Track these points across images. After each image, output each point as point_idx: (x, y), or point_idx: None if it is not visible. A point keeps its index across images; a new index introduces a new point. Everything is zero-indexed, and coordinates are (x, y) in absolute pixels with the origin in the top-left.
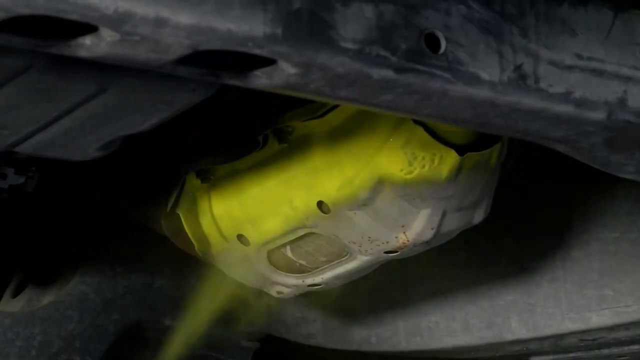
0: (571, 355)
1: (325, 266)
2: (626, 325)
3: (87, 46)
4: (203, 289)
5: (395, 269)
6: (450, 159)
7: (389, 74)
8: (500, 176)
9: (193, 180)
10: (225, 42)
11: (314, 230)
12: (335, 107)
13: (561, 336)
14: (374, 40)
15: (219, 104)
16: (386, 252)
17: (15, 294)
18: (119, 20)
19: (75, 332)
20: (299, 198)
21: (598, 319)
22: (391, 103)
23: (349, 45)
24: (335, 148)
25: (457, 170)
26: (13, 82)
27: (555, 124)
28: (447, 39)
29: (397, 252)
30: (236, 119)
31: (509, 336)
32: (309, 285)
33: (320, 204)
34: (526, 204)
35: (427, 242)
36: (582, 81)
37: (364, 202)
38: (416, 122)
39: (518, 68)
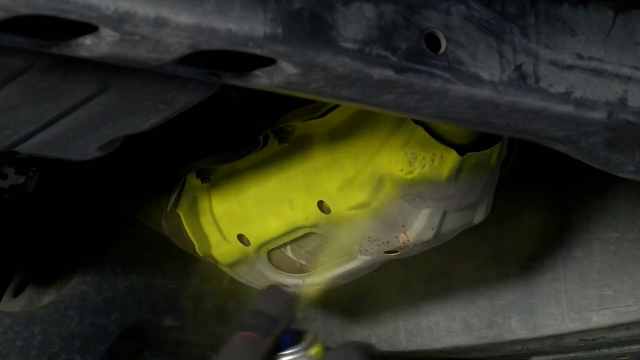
0: (572, 355)
1: (325, 266)
2: (626, 325)
3: (87, 46)
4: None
5: (395, 269)
6: (450, 159)
7: (389, 73)
8: (501, 176)
9: (193, 180)
10: (225, 42)
11: (314, 230)
12: (335, 107)
13: (562, 336)
14: (374, 40)
15: (219, 104)
16: (386, 252)
17: (15, 294)
18: (119, 20)
19: (75, 332)
20: (299, 198)
21: (598, 318)
22: (392, 103)
23: (350, 45)
24: (336, 148)
25: (458, 170)
26: (13, 82)
27: (556, 123)
28: (447, 39)
29: (397, 252)
30: (236, 119)
31: (510, 336)
32: (309, 285)
33: (320, 203)
34: (526, 204)
35: (427, 242)
36: (583, 81)
37: (364, 202)
38: (416, 122)
39: (518, 68)
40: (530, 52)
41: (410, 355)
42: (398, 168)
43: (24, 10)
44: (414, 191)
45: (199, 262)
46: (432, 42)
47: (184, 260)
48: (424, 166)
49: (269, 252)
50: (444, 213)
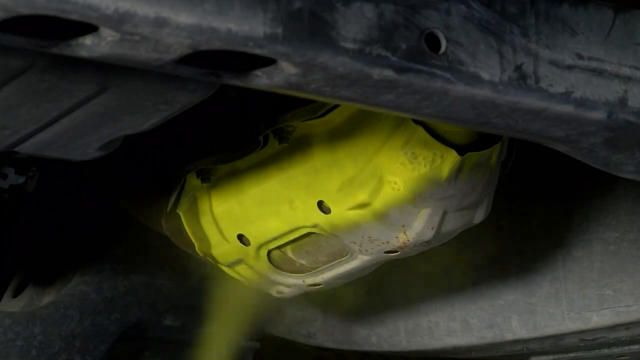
0: (572, 355)
1: (325, 266)
2: (626, 325)
3: (87, 46)
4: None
5: (396, 269)
6: (450, 159)
7: (389, 73)
8: (501, 176)
9: (193, 180)
10: (225, 42)
11: (314, 230)
12: (335, 107)
13: (562, 336)
14: (374, 40)
15: (219, 104)
16: (386, 252)
17: (15, 294)
18: (119, 20)
19: (75, 332)
20: (299, 198)
21: (599, 318)
22: (392, 103)
23: (350, 45)
24: (336, 148)
25: (458, 170)
26: (13, 82)
27: (556, 123)
28: (447, 39)
29: (397, 251)
30: (236, 119)
31: (510, 336)
32: (309, 285)
33: (320, 203)
34: (526, 204)
35: (427, 242)
36: (583, 81)
37: (364, 202)
38: (416, 121)
39: (518, 68)
40: (530, 52)
41: (410, 355)
42: (398, 168)
43: (24, 10)
44: (414, 191)
45: (199, 262)
46: (432, 42)
47: (184, 260)
48: (424, 166)
49: (269, 252)
50: (444, 213)
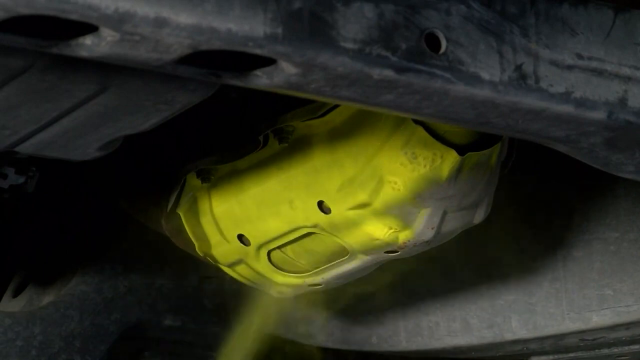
0: (572, 355)
1: (325, 266)
2: (627, 325)
3: (87, 46)
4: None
5: (396, 269)
6: (450, 159)
7: (389, 73)
8: (501, 176)
9: (193, 180)
10: (225, 42)
11: (314, 230)
12: (335, 107)
13: (562, 336)
14: (374, 40)
15: (219, 104)
16: (386, 252)
17: (15, 294)
18: (119, 20)
19: (75, 332)
20: (299, 198)
21: (599, 318)
22: (392, 103)
23: (350, 45)
24: (336, 148)
25: (458, 170)
26: (13, 82)
27: (556, 123)
28: (447, 39)
29: (397, 251)
30: (236, 119)
31: (510, 336)
32: (309, 285)
33: (320, 204)
34: (526, 204)
35: (427, 242)
36: (583, 81)
37: (364, 202)
38: (416, 121)
39: (518, 68)
40: (531, 52)
41: (411, 355)
42: (398, 168)
43: (24, 10)
44: (414, 191)
45: (200, 262)
46: (432, 42)
47: (184, 260)
48: (424, 166)
49: (269, 252)
50: (444, 213)
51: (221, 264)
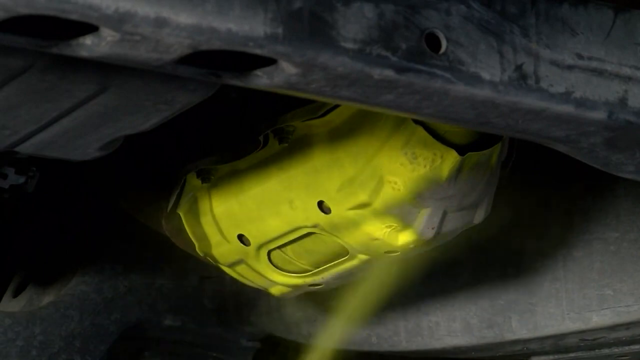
0: (572, 355)
1: (325, 266)
2: (627, 325)
3: (87, 46)
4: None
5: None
6: (450, 159)
7: (389, 73)
8: (501, 176)
9: (194, 180)
10: (225, 42)
11: (314, 230)
12: (335, 107)
13: (562, 336)
14: (374, 40)
15: (219, 104)
16: (386, 252)
17: (15, 294)
18: (119, 20)
19: (75, 332)
20: (299, 198)
21: (599, 318)
22: (392, 103)
23: (350, 45)
24: (336, 148)
25: (458, 170)
26: (13, 82)
27: (556, 123)
28: (447, 39)
29: (397, 252)
30: (236, 119)
31: (510, 336)
32: (309, 285)
33: (320, 204)
34: (527, 204)
35: (427, 242)
36: (583, 81)
37: (364, 202)
38: (416, 122)
39: (519, 68)
40: (531, 52)
41: (411, 355)
42: (398, 168)
43: (24, 10)
44: (414, 191)
45: (200, 262)
46: (433, 42)
47: (184, 260)
48: (424, 166)
49: (270, 252)
50: (444, 213)
51: (221, 264)
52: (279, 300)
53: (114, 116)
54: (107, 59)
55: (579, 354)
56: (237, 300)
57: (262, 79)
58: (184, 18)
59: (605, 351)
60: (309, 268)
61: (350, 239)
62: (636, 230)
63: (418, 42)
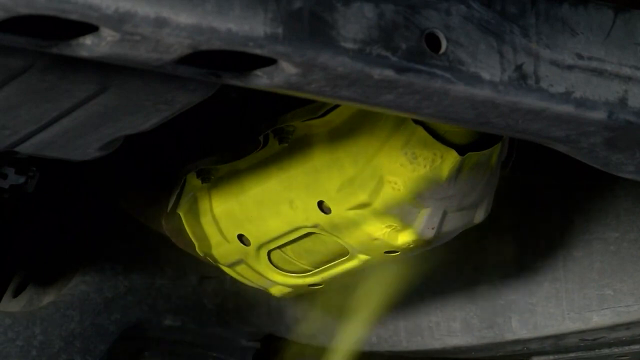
0: (572, 355)
1: (325, 266)
2: (627, 325)
3: (87, 46)
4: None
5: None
6: (450, 159)
7: (389, 73)
8: (501, 176)
9: (194, 180)
10: (225, 42)
11: (314, 230)
12: (335, 107)
13: (562, 336)
14: (374, 40)
15: (219, 104)
16: (386, 252)
17: (16, 294)
18: (119, 20)
19: (75, 332)
20: (299, 198)
21: (599, 318)
22: (392, 103)
23: (350, 45)
24: (336, 148)
25: (458, 170)
26: (13, 82)
27: (556, 123)
28: (447, 39)
29: (397, 252)
30: (236, 119)
31: (510, 336)
32: (309, 285)
33: (320, 204)
34: (527, 204)
35: (427, 242)
36: (583, 81)
37: (364, 202)
38: (416, 122)
39: (519, 68)
40: (531, 52)
41: (411, 355)
42: (398, 168)
43: (24, 10)
44: (414, 191)
45: (200, 262)
46: (433, 42)
47: (184, 260)
48: (424, 166)
49: (270, 252)
50: (444, 213)
51: (221, 264)
52: (279, 300)
53: (114, 116)
54: (107, 59)
55: (579, 354)
56: (237, 300)
57: (262, 79)
58: (184, 18)
59: (605, 351)
60: (309, 268)
61: (350, 239)
62: (636, 230)
63: (418, 42)
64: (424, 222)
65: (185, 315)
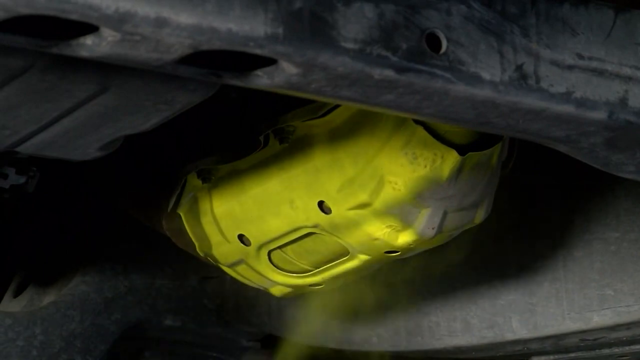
0: (572, 355)
1: (325, 266)
2: (627, 325)
3: (88, 46)
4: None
5: (397, 269)
6: (451, 159)
7: (390, 73)
8: (502, 176)
9: (194, 181)
10: (226, 42)
11: (314, 230)
12: (336, 107)
13: (562, 336)
14: (375, 40)
15: (219, 104)
16: (387, 252)
17: (16, 294)
18: (119, 20)
19: (76, 332)
20: (299, 198)
21: (599, 318)
22: (392, 103)
23: (350, 45)
24: (336, 148)
25: (458, 170)
26: (14, 82)
27: (556, 123)
28: (448, 39)
29: (398, 252)
30: (237, 119)
31: (510, 336)
32: (309, 285)
33: (321, 204)
34: (527, 204)
35: (428, 242)
36: (583, 81)
37: (364, 202)
38: (417, 122)
39: (519, 68)
40: (531, 52)
41: (411, 355)
42: (399, 168)
43: (24, 10)
44: (414, 191)
45: (200, 262)
46: (433, 42)
47: (184, 260)
48: (424, 166)
49: (270, 252)
50: (445, 213)
51: (222, 264)
52: (279, 300)
53: (114, 116)
54: (107, 59)
55: (580, 354)
56: (237, 300)
57: (262, 79)
58: (185, 18)
59: (606, 351)
60: (310, 268)
61: (351, 239)
62: (636, 230)
63: (418, 42)
64: (425, 222)
65: (186, 315)
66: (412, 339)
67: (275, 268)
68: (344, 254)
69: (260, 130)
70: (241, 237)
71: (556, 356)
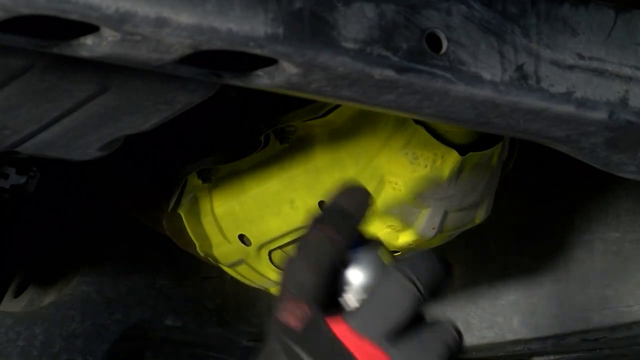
0: (573, 355)
1: None
2: (628, 325)
3: (88, 46)
4: None
5: None
6: (451, 159)
7: (390, 73)
8: (502, 176)
9: (194, 181)
10: (226, 42)
11: None
12: (336, 107)
13: (563, 336)
14: (375, 40)
15: (220, 104)
16: None
17: (16, 294)
18: (120, 20)
19: (76, 332)
20: (300, 198)
21: (600, 319)
22: (393, 103)
23: (350, 45)
24: (337, 148)
25: (459, 170)
26: (14, 82)
27: (557, 123)
28: (448, 39)
29: (398, 252)
30: (237, 119)
31: (511, 336)
32: None
33: (321, 204)
34: (528, 204)
35: (428, 242)
36: (584, 81)
37: None
38: (417, 122)
39: (519, 68)
40: (532, 52)
41: None
42: (399, 168)
43: (24, 10)
44: (415, 191)
45: (200, 262)
46: (433, 42)
47: (185, 260)
48: (424, 166)
49: (270, 252)
50: (445, 213)
51: (222, 264)
52: None
53: (114, 116)
54: (107, 59)
55: (580, 354)
56: (237, 300)
57: (262, 79)
58: (185, 18)
59: (607, 351)
60: None
61: None
62: (637, 230)
63: (419, 42)
64: (425, 222)
65: (186, 315)
66: None
67: (276, 268)
68: None
69: (260, 130)
70: (242, 237)
71: (557, 356)
